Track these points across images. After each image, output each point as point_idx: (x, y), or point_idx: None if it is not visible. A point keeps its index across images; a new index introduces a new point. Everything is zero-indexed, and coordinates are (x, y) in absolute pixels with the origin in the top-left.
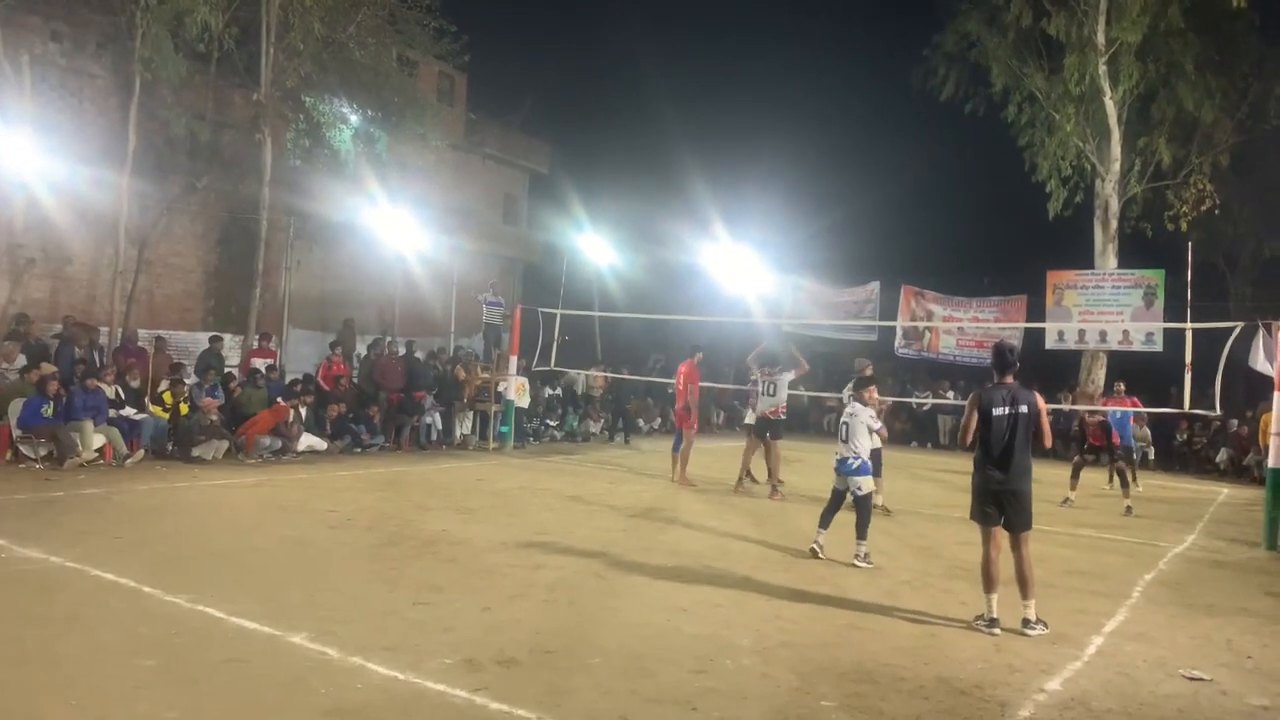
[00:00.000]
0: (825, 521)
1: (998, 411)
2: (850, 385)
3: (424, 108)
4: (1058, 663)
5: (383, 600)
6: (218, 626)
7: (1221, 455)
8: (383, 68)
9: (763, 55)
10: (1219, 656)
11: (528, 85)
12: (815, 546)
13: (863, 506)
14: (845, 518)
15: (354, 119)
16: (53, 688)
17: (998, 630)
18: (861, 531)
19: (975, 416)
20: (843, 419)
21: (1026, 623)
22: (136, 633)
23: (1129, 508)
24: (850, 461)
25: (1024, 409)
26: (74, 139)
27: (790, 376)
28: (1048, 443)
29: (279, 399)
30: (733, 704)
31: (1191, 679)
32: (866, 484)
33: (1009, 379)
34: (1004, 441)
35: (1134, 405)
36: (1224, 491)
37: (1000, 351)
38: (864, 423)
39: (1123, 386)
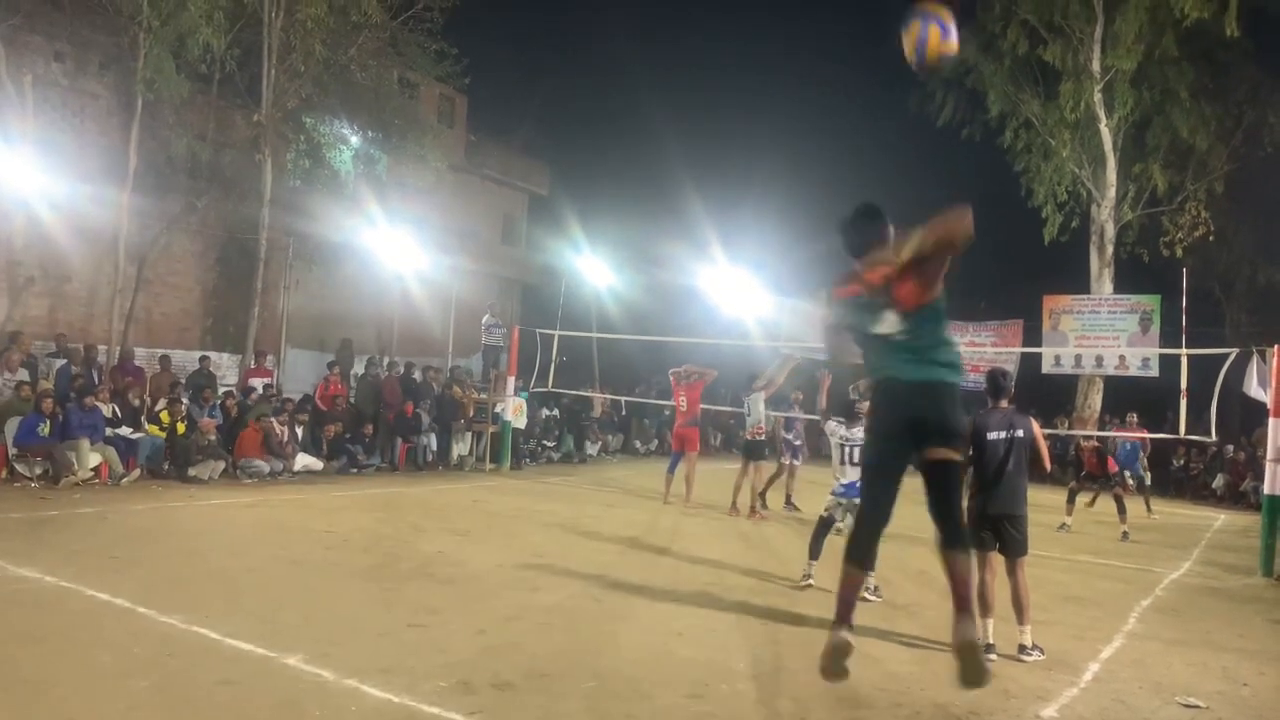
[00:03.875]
0: (816, 551)
1: (993, 436)
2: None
3: (424, 129)
4: (1054, 689)
5: (378, 622)
6: (212, 647)
7: (1218, 481)
8: (383, 89)
9: (761, 79)
10: (1215, 684)
11: (527, 107)
12: (809, 580)
13: None
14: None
15: (354, 140)
16: (46, 709)
17: (993, 656)
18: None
19: (969, 442)
20: (845, 442)
21: (1022, 649)
22: (131, 653)
23: (1125, 533)
24: (859, 485)
25: (1020, 433)
26: (75, 158)
27: (762, 395)
28: (1047, 467)
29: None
30: None
31: (1187, 706)
32: None
33: (1004, 404)
34: (999, 466)
35: (1141, 437)
36: (1220, 517)
37: (994, 377)
38: None
39: (1135, 417)
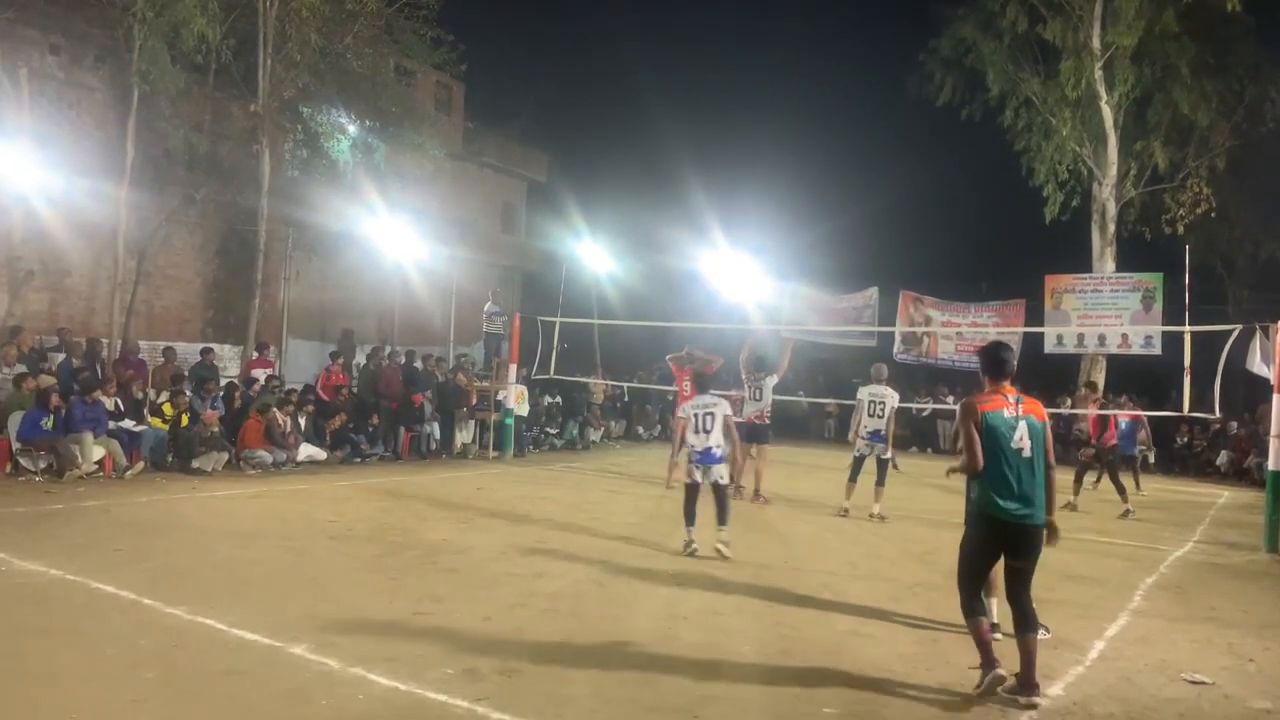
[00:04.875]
0: (691, 517)
1: None
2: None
3: (422, 117)
4: (1059, 667)
5: (383, 611)
6: (218, 638)
7: (1222, 458)
8: (380, 78)
9: (759, 63)
10: (1221, 660)
11: (525, 94)
12: (693, 547)
13: (725, 495)
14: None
15: (352, 129)
16: (53, 701)
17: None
18: (725, 518)
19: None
20: (700, 410)
21: None
22: (136, 645)
23: (1129, 511)
24: (714, 451)
25: None
26: (72, 151)
27: (775, 380)
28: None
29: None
30: (734, 712)
31: (1193, 683)
32: (726, 473)
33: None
34: None
35: (1138, 415)
36: (1224, 494)
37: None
38: (726, 413)
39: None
